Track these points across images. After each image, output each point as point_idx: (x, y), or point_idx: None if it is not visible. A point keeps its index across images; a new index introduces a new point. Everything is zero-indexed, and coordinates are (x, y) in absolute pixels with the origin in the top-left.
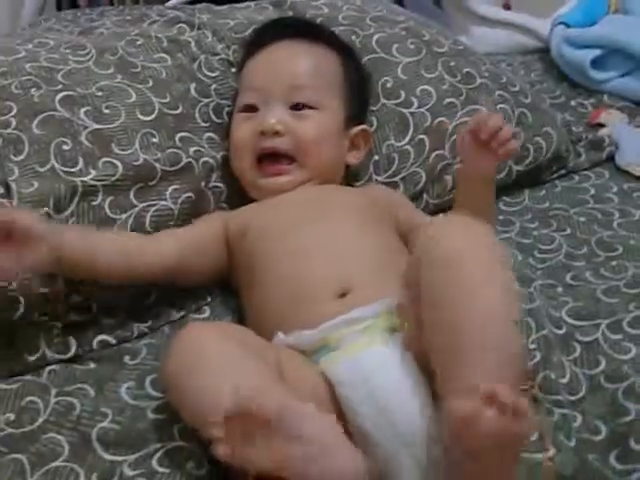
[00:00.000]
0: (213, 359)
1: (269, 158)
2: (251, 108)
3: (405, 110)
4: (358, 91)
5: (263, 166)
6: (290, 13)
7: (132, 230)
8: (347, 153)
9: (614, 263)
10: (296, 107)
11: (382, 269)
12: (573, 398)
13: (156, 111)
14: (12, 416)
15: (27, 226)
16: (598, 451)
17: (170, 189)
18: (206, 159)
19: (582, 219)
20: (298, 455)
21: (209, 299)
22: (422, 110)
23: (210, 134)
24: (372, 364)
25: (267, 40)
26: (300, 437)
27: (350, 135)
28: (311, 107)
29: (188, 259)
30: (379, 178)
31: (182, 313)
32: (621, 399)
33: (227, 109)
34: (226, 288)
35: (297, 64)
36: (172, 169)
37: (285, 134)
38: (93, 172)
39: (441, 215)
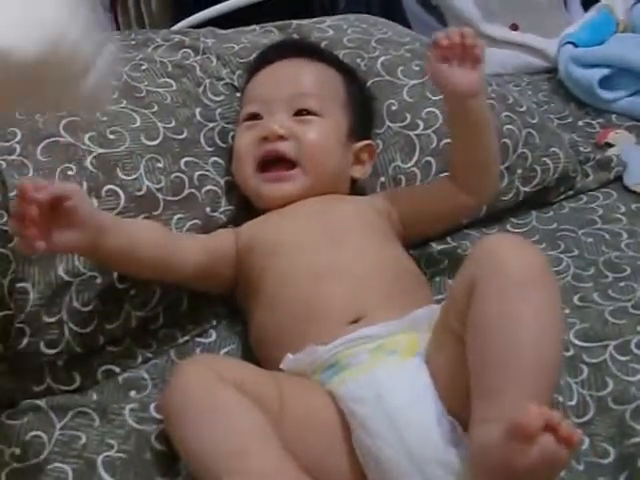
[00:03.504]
0: (205, 413)
1: (271, 164)
2: (254, 117)
3: (411, 132)
4: (361, 109)
5: (265, 171)
6: (295, 36)
7: None
8: (351, 167)
9: (622, 284)
10: (299, 113)
11: (393, 289)
12: (581, 421)
13: (161, 136)
14: (17, 450)
15: (74, 206)
16: (607, 474)
17: (175, 218)
18: (210, 187)
19: (590, 240)
20: None
21: (214, 322)
22: (428, 132)
23: (215, 158)
24: (385, 380)
25: (271, 59)
26: None
27: (354, 149)
28: (314, 114)
29: (213, 262)
30: None
31: (187, 337)
32: (629, 420)
33: (232, 133)
34: (233, 311)
35: (300, 75)
36: (175, 199)
37: (288, 138)
38: (95, 203)
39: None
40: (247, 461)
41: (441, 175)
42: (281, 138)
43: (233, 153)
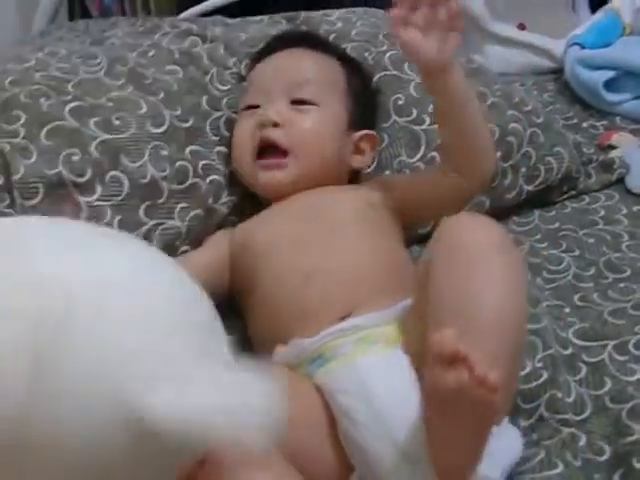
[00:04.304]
0: None
1: (268, 152)
2: (253, 106)
3: (417, 127)
4: (362, 99)
5: (261, 159)
6: (303, 28)
7: None
8: (351, 156)
9: (622, 285)
10: (297, 102)
11: (386, 284)
12: (578, 418)
13: (167, 123)
14: None
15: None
16: (603, 471)
17: (178, 207)
18: (214, 177)
19: (591, 240)
20: None
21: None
22: (434, 127)
23: (220, 148)
24: (368, 370)
25: (272, 49)
26: None
27: (353, 138)
28: (312, 103)
29: (208, 276)
30: None
31: None
32: (625, 419)
33: None
34: (230, 305)
35: (299, 64)
36: (179, 187)
37: (283, 126)
38: (99, 189)
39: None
40: None
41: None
42: (276, 125)
43: (232, 142)
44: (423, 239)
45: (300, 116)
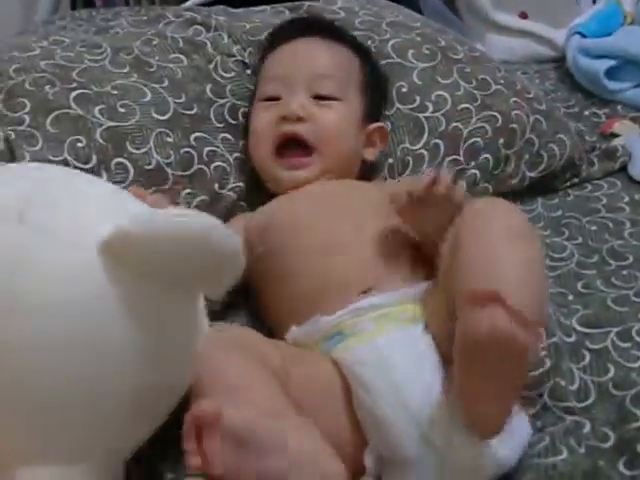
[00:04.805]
0: (212, 375)
1: (289, 147)
2: (273, 96)
3: (420, 114)
4: (375, 90)
5: (283, 156)
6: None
7: None
8: (364, 149)
9: (624, 272)
10: (319, 96)
11: (403, 263)
12: (582, 405)
13: (171, 111)
14: None
15: None
16: (607, 458)
17: (183, 193)
18: (219, 163)
19: (594, 228)
20: (283, 467)
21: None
22: (437, 115)
23: (225, 135)
24: (389, 345)
25: (288, 36)
26: (282, 449)
27: (367, 131)
28: (333, 98)
29: None
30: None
31: None
32: (629, 406)
33: (242, 110)
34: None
35: (320, 55)
36: (184, 174)
37: (307, 120)
38: (105, 176)
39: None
40: (246, 394)
41: None
42: (300, 120)
43: (249, 133)
44: None
45: (323, 111)
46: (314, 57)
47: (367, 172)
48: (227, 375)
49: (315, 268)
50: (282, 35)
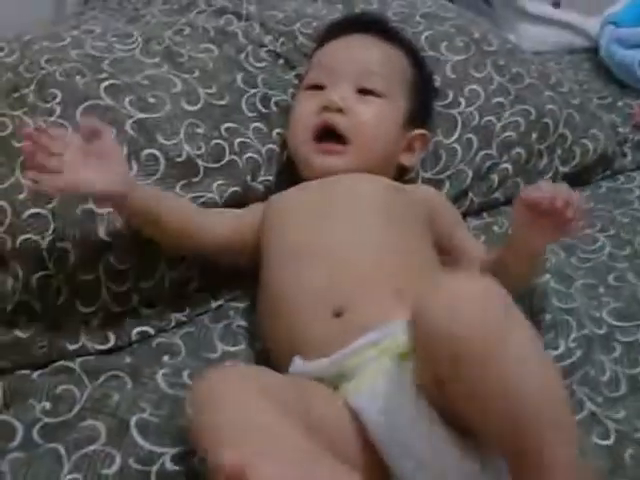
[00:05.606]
0: (230, 414)
1: (327, 138)
2: (317, 87)
3: (453, 110)
4: (423, 95)
5: (320, 143)
6: (339, 6)
7: None
8: (401, 153)
9: None
10: (363, 92)
11: (390, 282)
12: (613, 396)
13: (202, 101)
14: (48, 405)
15: (111, 143)
16: (636, 448)
17: (215, 184)
18: (250, 154)
19: (626, 220)
20: None
21: (248, 287)
22: (470, 109)
23: (257, 124)
24: (385, 391)
25: (344, 30)
26: None
27: (409, 136)
28: (378, 95)
29: (235, 241)
30: (426, 175)
31: (220, 302)
32: None
33: (274, 99)
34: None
35: (371, 52)
36: (215, 166)
37: (346, 113)
38: (135, 167)
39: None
40: (275, 442)
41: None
42: (340, 111)
43: (291, 118)
44: (478, 211)
45: (364, 106)
46: (364, 52)
47: (403, 177)
48: (251, 421)
49: (286, 277)
50: (338, 28)
